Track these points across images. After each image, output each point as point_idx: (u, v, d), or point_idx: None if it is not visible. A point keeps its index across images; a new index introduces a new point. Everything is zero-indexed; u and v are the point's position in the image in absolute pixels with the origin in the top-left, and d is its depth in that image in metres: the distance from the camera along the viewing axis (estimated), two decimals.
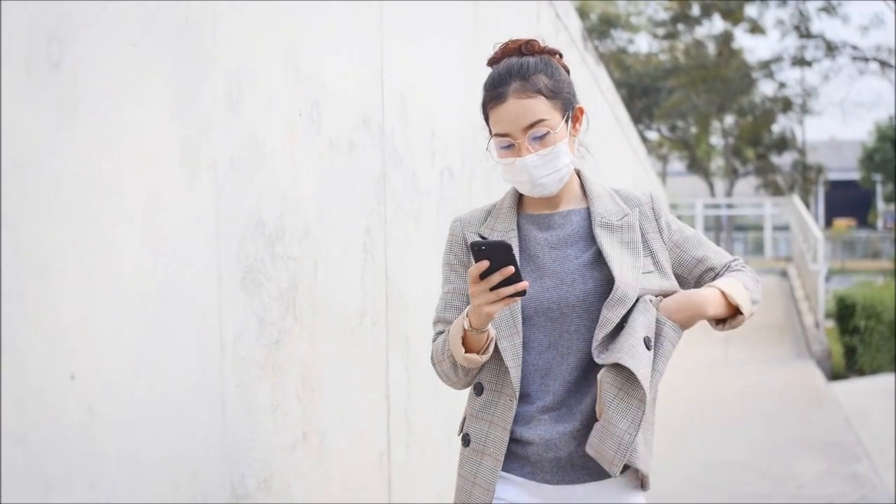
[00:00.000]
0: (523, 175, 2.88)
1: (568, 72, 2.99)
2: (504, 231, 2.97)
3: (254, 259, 3.01)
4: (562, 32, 8.71)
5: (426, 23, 4.62)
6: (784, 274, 27.50)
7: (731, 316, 2.93)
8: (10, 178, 2.01)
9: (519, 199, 3.05)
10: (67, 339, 2.19)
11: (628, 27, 47.61)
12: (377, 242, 3.96)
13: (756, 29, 43.77)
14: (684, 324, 2.87)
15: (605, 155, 12.80)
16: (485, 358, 2.83)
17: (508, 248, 2.58)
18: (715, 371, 16.02)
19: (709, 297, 2.88)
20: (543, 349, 2.89)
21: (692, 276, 3.04)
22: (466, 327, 2.75)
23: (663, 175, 46.88)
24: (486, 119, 2.95)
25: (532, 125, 2.84)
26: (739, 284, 2.94)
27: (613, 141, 14.28)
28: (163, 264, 2.55)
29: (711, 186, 49.43)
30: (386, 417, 4.09)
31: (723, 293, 2.90)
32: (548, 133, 2.85)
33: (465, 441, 2.98)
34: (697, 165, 49.24)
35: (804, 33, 42.82)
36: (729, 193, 47.16)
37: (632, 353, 2.74)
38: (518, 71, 2.87)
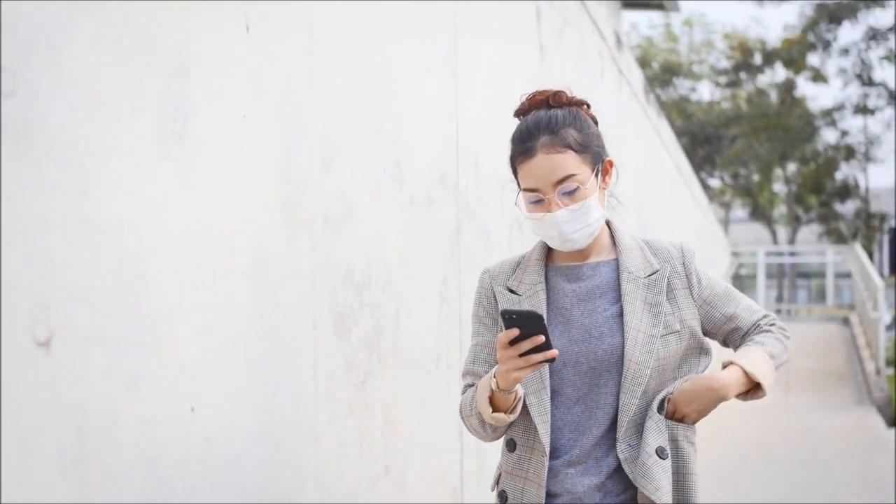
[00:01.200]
0: (553, 230, 2.80)
1: (596, 123, 2.92)
2: (532, 283, 2.91)
3: (343, 306, 3.30)
4: (624, 87, 8.98)
5: (497, 82, 4.92)
6: (846, 321, 27.42)
7: (752, 389, 2.89)
8: (142, 237, 2.32)
9: (548, 251, 2.98)
10: (189, 375, 2.49)
11: (690, 75, 47.67)
12: (452, 291, 4.25)
13: (818, 77, 43.67)
14: (702, 412, 2.84)
15: (667, 205, 13.03)
16: (512, 417, 2.78)
17: (540, 318, 2.56)
18: (776, 415, 16.08)
19: (729, 381, 2.84)
20: (572, 404, 2.84)
21: (720, 333, 2.99)
22: (494, 388, 2.71)
23: (725, 222, 46.77)
24: (515, 173, 2.88)
25: (562, 181, 2.76)
26: (764, 355, 2.91)
27: (676, 192, 14.50)
28: (267, 311, 2.85)
29: (774, 234, 49.12)
30: (459, 455, 4.36)
31: (745, 371, 2.84)
32: (577, 188, 2.77)
33: (503, 498, 2.91)
34: (760, 213, 49.00)
35: (866, 82, 42.78)
36: (791, 241, 46.89)
37: (645, 473, 2.75)
38: (547, 125, 2.80)
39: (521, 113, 2.93)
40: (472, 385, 2.94)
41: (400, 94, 3.78)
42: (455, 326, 4.27)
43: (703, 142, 44.60)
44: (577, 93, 2.96)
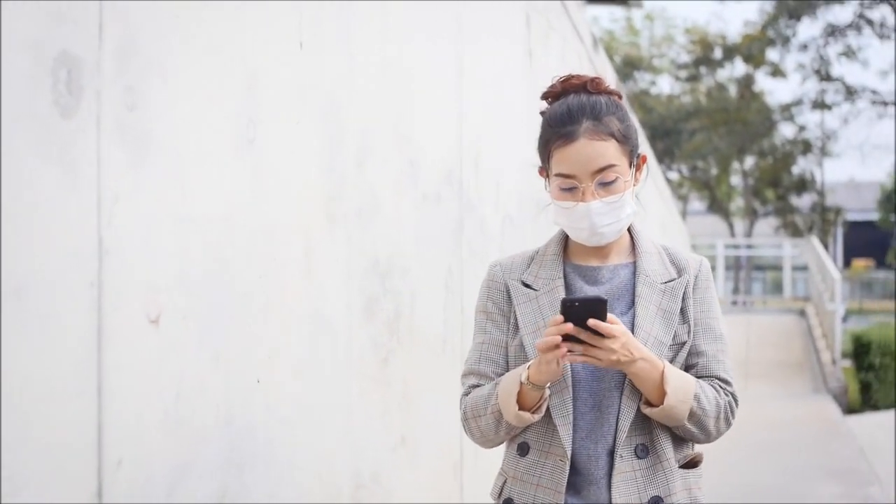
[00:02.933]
0: (584, 222, 2.65)
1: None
2: (549, 279, 2.76)
3: (370, 292, 3.66)
4: None
5: (492, 86, 5.28)
6: (802, 313, 27.93)
7: (655, 403, 2.65)
8: (222, 231, 2.68)
9: (564, 246, 2.83)
10: (255, 351, 2.85)
11: (651, 69, 48.17)
12: (455, 280, 4.61)
13: (777, 72, 44.23)
14: (614, 360, 2.54)
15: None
16: (537, 417, 2.63)
17: (604, 303, 2.46)
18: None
19: (649, 359, 2.60)
20: (587, 410, 2.68)
21: (682, 358, 2.75)
22: (523, 381, 2.58)
23: (683, 214, 47.24)
24: (547, 157, 2.72)
25: (602, 170, 2.62)
26: (693, 388, 2.66)
27: (644, 184, 14.89)
28: (313, 295, 3.21)
29: (731, 227, 49.72)
30: (460, 430, 4.72)
31: (662, 373, 2.62)
32: (616, 179, 2.64)
33: None
34: (717, 206, 49.59)
35: (824, 77, 43.34)
36: (748, 234, 47.51)
37: None
38: (591, 110, 2.64)
39: (551, 96, 2.78)
40: (476, 385, 2.81)
41: (415, 100, 4.14)
42: (458, 313, 4.64)
43: (662, 135, 44.98)
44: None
